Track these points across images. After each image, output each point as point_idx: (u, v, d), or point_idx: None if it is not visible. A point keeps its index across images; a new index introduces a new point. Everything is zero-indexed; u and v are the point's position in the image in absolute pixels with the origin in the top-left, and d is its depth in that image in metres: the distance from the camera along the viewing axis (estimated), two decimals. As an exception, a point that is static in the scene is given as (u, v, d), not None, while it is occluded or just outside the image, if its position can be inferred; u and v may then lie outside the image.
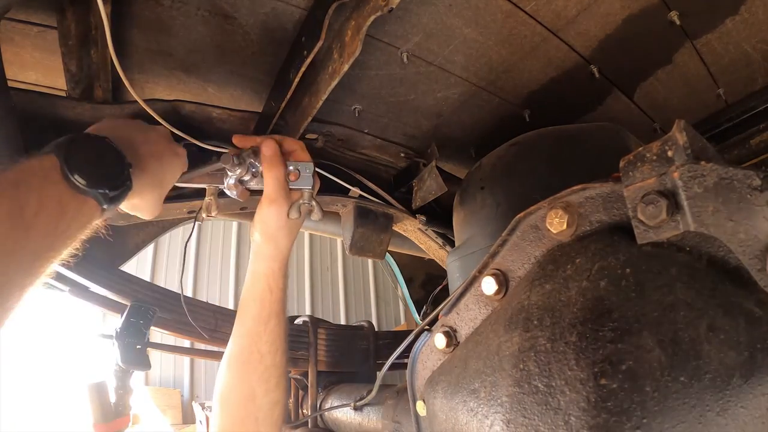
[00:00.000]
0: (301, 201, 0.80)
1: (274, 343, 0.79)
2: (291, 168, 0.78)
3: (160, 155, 0.65)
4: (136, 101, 0.96)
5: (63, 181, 0.48)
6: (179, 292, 1.18)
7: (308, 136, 1.17)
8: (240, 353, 0.79)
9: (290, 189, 0.78)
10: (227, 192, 0.81)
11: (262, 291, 0.79)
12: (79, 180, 0.48)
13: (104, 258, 1.19)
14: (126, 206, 0.63)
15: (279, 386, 0.80)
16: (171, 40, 0.90)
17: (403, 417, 0.99)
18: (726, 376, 0.39)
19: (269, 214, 0.77)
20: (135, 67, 0.96)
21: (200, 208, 0.84)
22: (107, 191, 0.51)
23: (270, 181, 0.77)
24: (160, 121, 0.88)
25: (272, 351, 0.78)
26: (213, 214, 0.81)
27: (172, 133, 0.78)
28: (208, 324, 1.27)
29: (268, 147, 0.77)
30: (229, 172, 0.77)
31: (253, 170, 0.78)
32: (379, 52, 0.94)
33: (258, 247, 0.81)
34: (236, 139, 0.81)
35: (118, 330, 1.14)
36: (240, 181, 0.80)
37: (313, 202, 0.80)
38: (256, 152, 0.78)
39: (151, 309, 1.18)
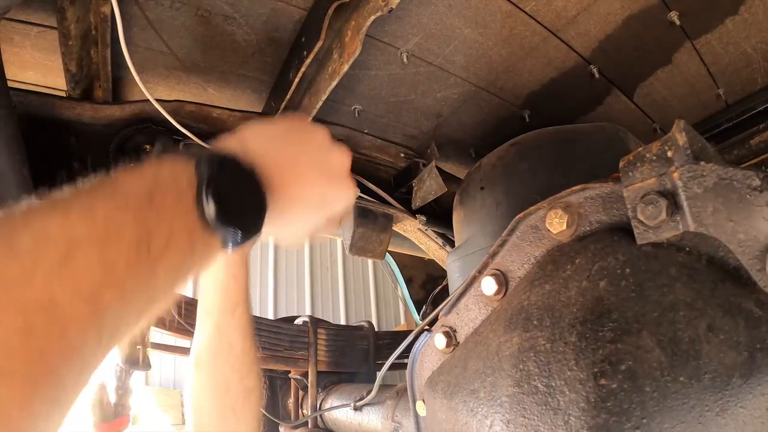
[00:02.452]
0: None
1: (242, 331, 0.77)
2: None
3: (308, 196, 0.53)
4: (136, 101, 0.96)
5: (196, 210, 0.40)
6: (182, 293, 1.18)
7: (308, 136, 1.17)
8: (209, 346, 0.76)
9: None
10: None
11: (227, 280, 0.76)
12: (212, 215, 0.40)
13: (104, 258, 1.19)
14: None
15: (252, 372, 0.78)
16: (171, 40, 0.90)
17: (403, 417, 0.99)
18: (725, 376, 0.39)
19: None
20: (135, 66, 0.96)
21: None
22: (239, 234, 0.43)
23: None
24: (169, 118, 0.89)
25: (241, 338, 0.76)
26: None
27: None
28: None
29: None
30: None
31: None
32: (379, 53, 0.94)
33: None
34: None
35: (118, 330, 1.14)
36: None
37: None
38: None
39: (151, 309, 1.18)
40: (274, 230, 0.54)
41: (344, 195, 0.57)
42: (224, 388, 0.75)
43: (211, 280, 0.77)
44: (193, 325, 1.21)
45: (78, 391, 0.31)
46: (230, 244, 0.43)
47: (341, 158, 0.56)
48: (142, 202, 0.36)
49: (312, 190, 0.53)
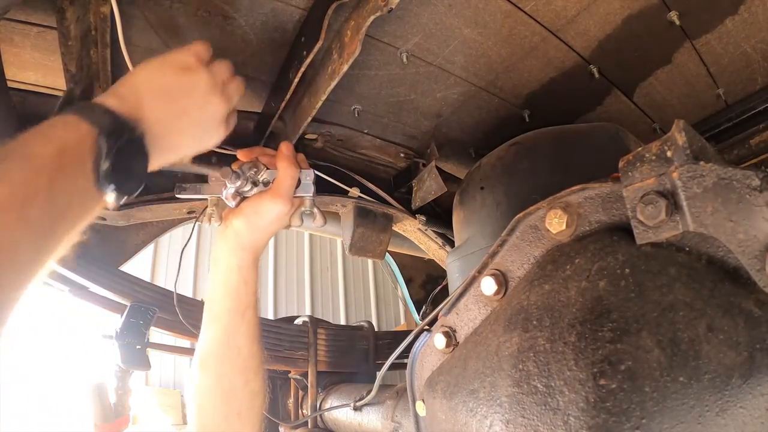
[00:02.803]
0: (302, 208, 0.80)
1: (251, 335, 0.77)
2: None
3: (186, 132, 0.63)
4: (135, 101, 0.96)
5: (92, 174, 0.48)
6: (182, 293, 1.18)
7: (308, 136, 1.18)
8: (216, 349, 0.76)
9: (294, 197, 0.78)
10: (226, 202, 0.81)
11: (237, 283, 0.77)
12: (105, 184, 0.48)
13: (104, 258, 1.19)
14: None
15: (257, 376, 0.79)
16: (171, 40, 0.90)
17: (402, 417, 0.99)
18: (725, 377, 0.39)
19: (270, 207, 0.76)
20: (135, 67, 0.96)
21: (201, 212, 0.84)
22: (123, 198, 0.52)
23: (286, 178, 0.76)
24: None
25: (249, 342, 0.77)
26: (216, 223, 0.81)
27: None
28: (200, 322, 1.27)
29: (287, 147, 0.79)
30: (228, 184, 0.77)
31: (254, 180, 0.78)
32: (379, 53, 0.94)
33: (236, 237, 0.77)
34: (240, 154, 0.80)
35: (118, 330, 1.14)
36: (239, 192, 0.79)
37: (315, 209, 0.80)
38: (256, 165, 0.78)
39: (151, 309, 1.18)
40: (169, 154, 0.63)
41: (214, 138, 0.68)
42: (230, 392, 0.75)
43: (221, 282, 0.77)
44: (193, 325, 1.21)
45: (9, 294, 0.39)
46: (113, 200, 0.52)
47: (216, 107, 0.66)
48: (54, 165, 0.43)
49: (189, 141, 0.64)
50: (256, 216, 0.77)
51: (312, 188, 0.78)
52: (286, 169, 0.77)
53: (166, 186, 1.08)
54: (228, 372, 0.76)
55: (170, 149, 0.62)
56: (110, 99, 0.55)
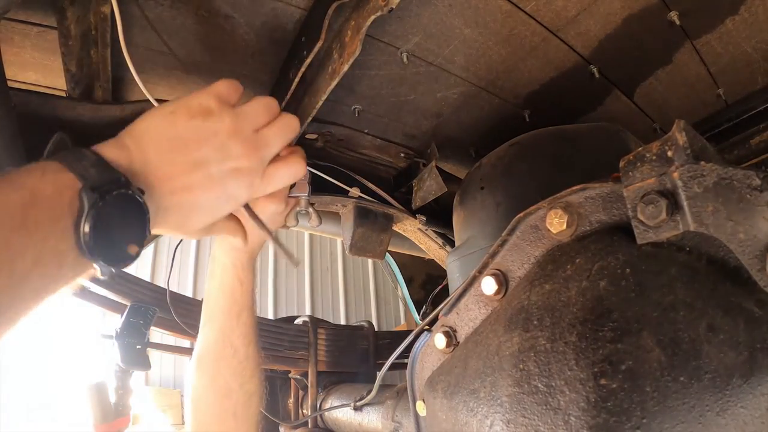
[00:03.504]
0: (298, 208, 0.80)
1: (246, 336, 0.77)
2: None
3: (209, 192, 0.51)
4: (136, 101, 0.96)
5: (73, 236, 0.39)
6: (177, 291, 1.18)
7: (308, 136, 1.18)
8: (212, 350, 0.76)
9: (288, 197, 0.78)
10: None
11: (232, 284, 0.75)
12: (89, 246, 0.39)
13: (104, 258, 1.19)
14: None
15: (254, 378, 0.78)
16: (171, 40, 0.90)
17: (403, 417, 0.99)
18: (726, 376, 0.39)
19: (265, 207, 0.69)
20: (135, 66, 0.96)
21: None
22: (113, 266, 0.42)
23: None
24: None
25: (245, 343, 0.76)
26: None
27: None
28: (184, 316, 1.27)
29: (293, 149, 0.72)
30: None
31: None
32: (379, 52, 0.94)
33: (225, 241, 0.76)
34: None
35: (118, 330, 1.14)
36: None
37: (310, 209, 0.80)
38: None
39: (151, 309, 1.18)
40: (171, 232, 0.53)
41: (243, 197, 0.55)
42: (225, 392, 0.75)
43: (218, 283, 0.76)
44: (192, 325, 1.21)
45: None
46: (103, 272, 0.42)
47: (240, 160, 0.52)
48: (13, 220, 0.34)
49: (205, 195, 0.51)
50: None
51: (307, 188, 0.77)
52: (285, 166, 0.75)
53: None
54: (223, 373, 0.75)
55: (181, 212, 0.50)
56: (108, 148, 0.45)
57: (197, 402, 0.77)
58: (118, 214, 0.41)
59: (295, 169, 0.60)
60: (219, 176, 0.51)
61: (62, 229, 0.38)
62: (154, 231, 0.48)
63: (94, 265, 0.41)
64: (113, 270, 0.42)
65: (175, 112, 0.51)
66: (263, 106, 0.57)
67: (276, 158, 0.59)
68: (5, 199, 0.35)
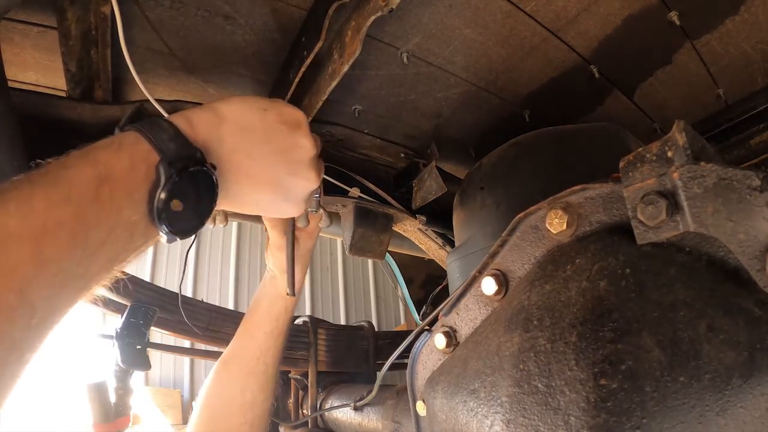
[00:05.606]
0: (309, 209, 0.80)
1: (277, 356, 0.83)
2: None
3: (272, 186, 0.54)
4: (136, 101, 0.96)
5: (146, 206, 0.40)
6: (175, 291, 1.18)
7: (308, 136, 1.17)
8: (245, 365, 0.81)
9: None
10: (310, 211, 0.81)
11: (279, 311, 0.82)
12: (160, 214, 0.40)
13: (104, 258, 1.19)
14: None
15: (274, 392, 0.85)
16: (171, 40, 0.90)
17: (403, 417, 0.99)
18: (725, 376, 0.39)
19: (308, 242, 0.81)
20: (135, 66, 0.96)
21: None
22: (180, 236, 0.44)
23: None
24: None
25: (274, 363, 0.83)
26: (221, 224, 0.82)
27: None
28: (203, 323, 1.27)
29: None
30: None
31: None
32: (379, 53, 0.94)
33: (278, 277, 0.82)
34: None
35: (118, 330, 1.14)
36: None
37: (321, 210, 0.80)
38: None
39: (151, 309, 1.18)
40: (235, 208, 0.56)
41: (292, 208, 0.60)
42: (250, 405, 0.80)
43: (266, 307, 0.83)
44: (197, 326, 1.21)
45: (13, 368, 0.31)
46: (168, 240, 0.43)
47: (304, 152, 0.57)
48: (87, 194, 0.34)
49: (264, 196, 0.55)
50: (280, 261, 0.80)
51: (319, 189, 0.78)
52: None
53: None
54: (252, 387, 0.80)
55: (237, 200, 0.53)
56: (185, 120, 0.46)
57: (216, 408, 0.81)
58: (191, 189, 0.43)
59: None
60: (285, 185, 0.56)
61: (136, 200, 0.39)
62: (217, 207, 0.49)
63: (162, 234, 0.43)
64: (177, 239, 0.44)
65: (267, 109, 0.54)
66: (317, 138, 0.62)
67: None
68: (79, 174, 0.35)
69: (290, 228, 0.75)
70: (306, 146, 0.57)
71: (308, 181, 0.59)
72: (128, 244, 0.40)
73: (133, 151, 0.40)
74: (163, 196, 0.40)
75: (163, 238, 0.43)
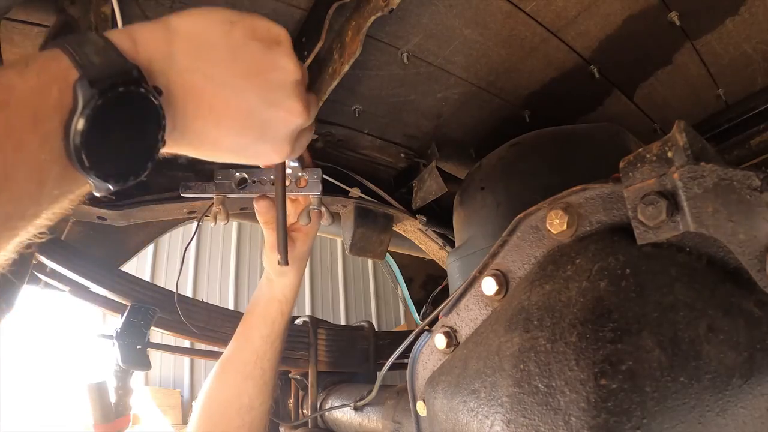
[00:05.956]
0: (310, 207, 0.80)
1: (274, 360, 0.82)
2: (300, 174, 0.78)
3: (239, 116, 0.41)
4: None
5: (59, 140, 0.30)
6: (182, 293, 1.18)
7: (308, 136, 1.18)
8: (242, 368, 0.80)
9: (299, 195, 0.79)
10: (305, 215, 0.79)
11: (275, 314, 0.81)
12: (78, 150, 0.30)
13: (104, 258, 1.19)
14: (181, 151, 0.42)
15: (272, 395, 0.85)
16: (171, 40, 0.90)
17: (403, 417, 0.99)
18: (726, 377, 0.39)
19: (304, 247, 0.81)
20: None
21: (206, 210, 0.84)
22: (111, 183, 0.34)
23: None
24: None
25: (272, 366, 0.82)
26: (222, 222, 0.81)
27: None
28: (202, 322, 1.27)
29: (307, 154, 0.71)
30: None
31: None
32: (380, 53, 0.94)
33: (275, 280, 0.82)
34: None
35: (118, 330, 1.14)
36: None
37: (323, 207, 0.80)
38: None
39: (151, 309, 1.18)
40: (195, 152, 0.43)
41: (282, 122, 0.45)
42: (247, 409, 0.80)
43: (262, 311, 0.82)
44: (194, 326, 1.21)
45: None
46: (100, 190, 0.34)
47: (285, 74, 0.44)
48: None
49: (232, 138, 0.42)
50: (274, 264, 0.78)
51: (320, 187, 0.78)
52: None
53: (166, 186, 1.08)
54: (249, 391, 0.80)
55: (195, 143, 0.41)
56: (122, 34, 0.35)
57: (215, 412, 0.81)
58: (123, 117, 0.33)
59: (307, 140, 0.54)
60: (260, 118, 0.43)
61: (45, 133, 0.29)
62: (169, 149, 0.39)
63: (89, 181, 0.33)
64: (111, 188, 0.34)
65: (235, 22, 0.41)
66: (303, 66, 0.48)
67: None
68: None
69: (280, 180, 0.64)
70: (287, 67, 0.44)
71: (291, 114, 0.45)
72: (37, 194, 0.30)
73: (44, 68, 0.30)
74: (80, 124, 0.30)
75: (91, 186, 0.33)
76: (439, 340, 0.64)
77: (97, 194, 0.34)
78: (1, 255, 0.31)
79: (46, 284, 1.12)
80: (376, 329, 1.67)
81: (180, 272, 1.29)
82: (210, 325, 1.27)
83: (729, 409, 0.39)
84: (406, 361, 0.71)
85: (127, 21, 0.80)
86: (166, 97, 0.36)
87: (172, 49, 0.37)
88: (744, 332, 0.40)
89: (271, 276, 0.81)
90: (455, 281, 1.09)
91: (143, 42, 0.36)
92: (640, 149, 0.44)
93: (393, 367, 0.86)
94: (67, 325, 4.55)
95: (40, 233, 0.32)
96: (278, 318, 0.82)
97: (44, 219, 0.32)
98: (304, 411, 1.45)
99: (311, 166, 0.80)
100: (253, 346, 0.81)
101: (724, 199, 0.38)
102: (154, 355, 1.22)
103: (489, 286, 0.58)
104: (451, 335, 0.63)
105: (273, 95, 0.43)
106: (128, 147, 0.34)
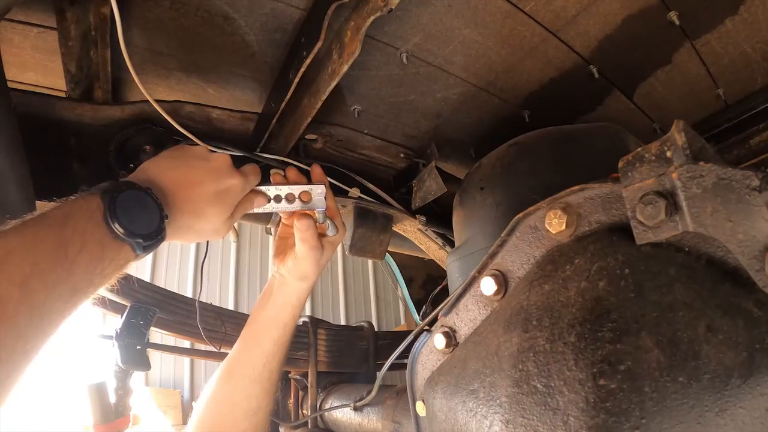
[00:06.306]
0: (317, 221, 0.80)
1: (282, 362, 0.84)
2: (305, 189, 0.77)
3: (202, 200, 0.65)
4: (136, 102, 0.96)
5: (105, 225, 0.51)
6: (182, 293, 1.18)
7: (308, 136, 1.18)
8: (251, 371, 0.81)
9: (304, 211, 0.78)
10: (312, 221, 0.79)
11: (287, 318, 0.83)
12: (118, 228, 0.52)
13: (104, 258, 1.19)
14: (174, 239, 0.66)
15: (274, 398, 0.87)
16: (171, 40, 0.90)
17: (402, 417, 0.99)
18: (725, 377, 0.39)
19: (309, 260, 0.80)
20: (135, 67, 0.96)
21: (271, 221, 0.84)
22: (141, 241, 0.55)
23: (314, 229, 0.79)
24: (168, 119, 0.89)
25: (279, 368, 0.84)
26: (232, 239, 0.82)
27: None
28: (208, 324, 1.27)
29: (320, 171, 0.80)
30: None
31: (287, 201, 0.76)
32: (379, 53, 0.94)
33: (291, 284, 0.83)
34: (291, 174, 0.80)
35: (118, 331, 1.14)
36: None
37: (327, 221, 0.80)
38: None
39: (151, 310, 1.18)
40: (190, 231, 0.65)
41: (234, 184, 0.68)
42: (254, 411, 0.81)
43: (273, 315, 0.83)
44: (195, 326, 1.21)
45: (17, 361, 0.42)
46: (140, 250, 0.55)
47: (220, 160, 0.68)
48: (59, 222, 0.48)
49: (203, 188, 0.64)
50: (300, 270, 0.82)
51: (324, 202, 0.77)
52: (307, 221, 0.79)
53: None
54: (258, 393, 0.81)
55: (186, 211, 0.63)
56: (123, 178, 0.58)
57: (220, 413, 0.81)
58: (135, 204, 0.55)
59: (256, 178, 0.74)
60: (215, 191, 0.65)
61: (96, 223, 0.51)
62: (173, 224, 0.60)
63: (130, 246, 0.54)
64: (145, 247, 0.55)
65: (180, 150, 0.67)
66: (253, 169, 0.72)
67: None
68: (53, 214, 0.48)
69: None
70: (221, 162, 0.68)
71: (231, 181, 0.68)
72: (100, 256, 0.51)
73: (84, 197, 0.52)
74: (109, 213, 0.51)
75: (132, 247, 0.54)
76: (439, 341, 0.64)
77: (138, 253, 0.55)
78: (86, 295, 0.52)
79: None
80: (376, 329, 1.67)
81: (200, 288, 1.31)
82: (228, 331, 1.28)
83: (728, 409, 0.39)
84: (405, 361, 0.71)
85: (126, 21, 0.80)
86: (155, 186, 0.59)
87: (146, 170, 0.62)
88: (743, 332, 0.40)
89: (289, 280, 0.82)
90: (455, 281, 1.09)
91: (133, 176, 0.60)
92: (639, 149, 0.44)
93: (393, 367, 0.86)
94: (66, 325, 4.54)
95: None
96: (290, 322, 0.83)
97: (110, 274, 0.54)
98: (304, 411, 1.45)
99: (318, 180, 0.79)
100: (263, 348, 0.81)
101: (723, 198, 0.38)
102: (154, 355, 1.22)
103: (488, 286, 0.58)
104: (450, 335, 0.63)
105: (216, 175, 0.67)
106: (144, 222, 0.55)
